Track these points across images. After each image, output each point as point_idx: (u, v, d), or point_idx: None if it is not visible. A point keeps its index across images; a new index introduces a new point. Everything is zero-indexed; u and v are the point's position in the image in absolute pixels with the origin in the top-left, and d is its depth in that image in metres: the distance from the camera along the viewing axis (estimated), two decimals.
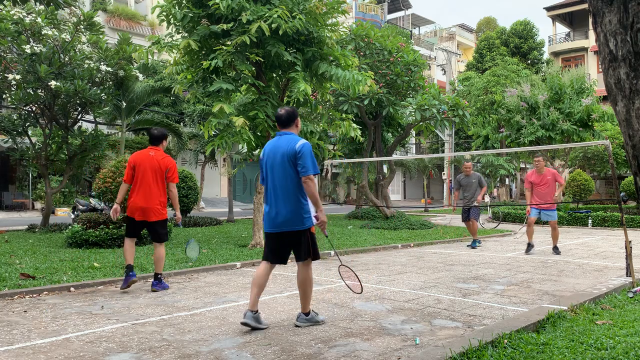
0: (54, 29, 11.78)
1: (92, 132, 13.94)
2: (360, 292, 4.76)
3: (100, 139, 13.68)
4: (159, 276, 5.95)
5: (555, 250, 9.42)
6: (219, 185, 31.72)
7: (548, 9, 40.68)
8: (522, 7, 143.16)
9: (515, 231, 14.09)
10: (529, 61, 39.59)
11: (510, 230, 14.56)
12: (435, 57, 44.47)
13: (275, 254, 4.41)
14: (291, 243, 4.37)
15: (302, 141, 4.31)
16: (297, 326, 4.39)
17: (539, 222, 10.50)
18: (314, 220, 4.34)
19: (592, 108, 18.23)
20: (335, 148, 17.45)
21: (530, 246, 9.57)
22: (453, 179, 37.83)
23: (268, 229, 4.39)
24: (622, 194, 23.41)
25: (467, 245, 10.85)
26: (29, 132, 14.38)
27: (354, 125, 10.13)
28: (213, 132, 11.23)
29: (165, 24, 8.99)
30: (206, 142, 14.53)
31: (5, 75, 11.64)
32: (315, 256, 4.39)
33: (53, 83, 11.34)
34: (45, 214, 13.50)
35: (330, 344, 3.88)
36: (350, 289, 4.87)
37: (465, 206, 10.71)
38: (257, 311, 4.31)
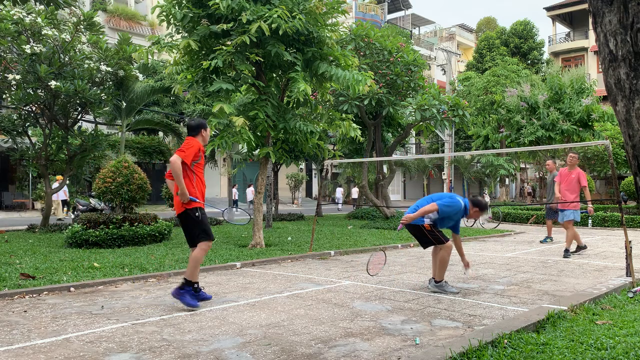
0: (54, 29, 11.78)
1: (92, 132, 13.94)
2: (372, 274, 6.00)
3: (100, 139, 13.68)
4: None
5: (566, 253, 9.03)
6: (219, 185, 31.73)
7: (548, 9, 40.68)
8: (522, 7, 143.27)
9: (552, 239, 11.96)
10: (529, 61, 39.62)
11: (510, 230, 14.55)
12: (435, 57, 44.49)
13: None
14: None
15: None
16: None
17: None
18: None
19: (592, 108, 18.24)
20: (335, 148, 17.46)
21: (566, 251, 9.17)
22: (453, 179, 37.88)
23: None
24: (622, 194, 23.40)
25: (540, 241, 11.52)
26: (29, 132, 14.38)
27: (354, 125, 10.12)
28: (213, 132, 11.24)
29: (165, 24, 8.98)
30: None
31: (5, 75, 11.64)
32: None
33: (53, 83, 11.34)
34: (45, 214, 13.51)
35: (330, 344, 3.88)
36: (368, 268, 5.92)
37: (546, 204, 11.33)
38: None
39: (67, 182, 17.24)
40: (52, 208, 18.16)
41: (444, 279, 5.86)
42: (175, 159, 4.87)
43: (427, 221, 5.69)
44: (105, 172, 10.42)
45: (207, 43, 8.91)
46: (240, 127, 8.57)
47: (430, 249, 6.03)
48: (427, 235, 5.72)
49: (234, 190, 26.21)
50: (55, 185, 16.52)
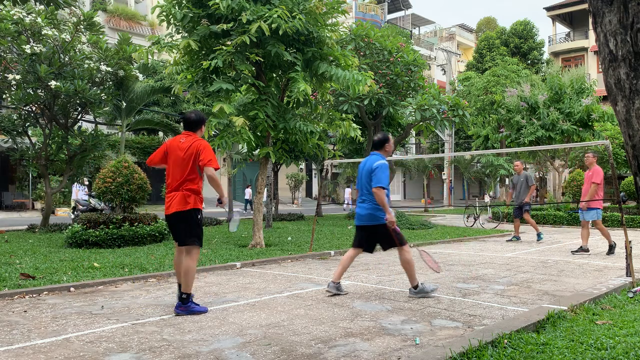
0: (54, 29, 11.78)
1: (92, 132, 13.94)
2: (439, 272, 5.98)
3: (100, 139, 13.69)
4: None
5: (610, 249, 9.25)
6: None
7: (548, 9, 40.67)
8: (522, 7, 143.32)
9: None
10: (529, 61, 39.61)
11: (510, 231, 14.54)
12: (435, 57, 44.51)
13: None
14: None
15: None
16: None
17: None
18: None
19: (592, 108, 18.23)
20: (335, 148, 17.46)
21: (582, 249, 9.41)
22: (453, 179, 37.88)
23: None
24: (622, 194, 23.39)
25: (537, 241, 11.52)
26: (29, 132, 14.38)
27: (354, 125, 10.12)
28: (213, 132, 11.22)
29: (165, 24, 8.99)
30: None
31: (5, 75, 11.64)
32: None
33: (53, 83, 11.34)
34: (45, 214, 13.51)
35: (330, 344, 3.88)
36: (432, 269, 5.83)
37: (517, 204, 11.59)
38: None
39: (87, 182, 17.15)
40: (71, 206, 18.05)
41: (417, 281, 5.52)
42: (214, 172, 4.85)
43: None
44: (105, 172, 10.42)
45: (207, 43, 8.91)
46: (240, 127, 8.57)
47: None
48: (391, 233, 5.37)
49: (248, 190, 26.38)
50: (77, 187, 16.39)
